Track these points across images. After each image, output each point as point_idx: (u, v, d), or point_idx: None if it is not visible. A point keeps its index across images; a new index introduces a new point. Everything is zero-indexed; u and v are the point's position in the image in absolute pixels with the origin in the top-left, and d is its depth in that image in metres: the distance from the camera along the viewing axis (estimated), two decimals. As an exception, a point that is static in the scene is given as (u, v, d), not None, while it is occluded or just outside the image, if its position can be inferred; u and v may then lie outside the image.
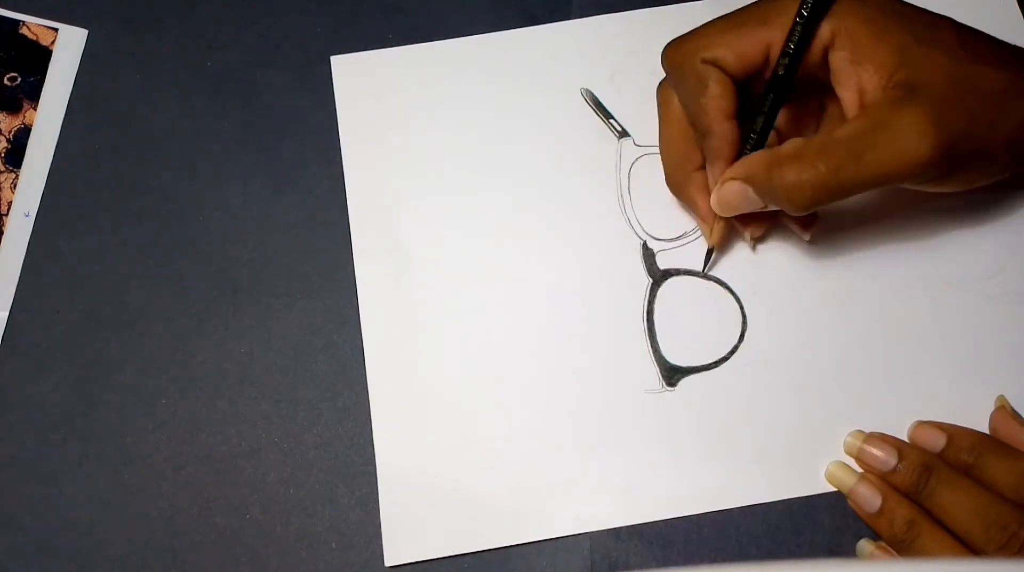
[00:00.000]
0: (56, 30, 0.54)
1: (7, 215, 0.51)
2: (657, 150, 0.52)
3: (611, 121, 0.53)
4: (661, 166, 0.51)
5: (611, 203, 0.52)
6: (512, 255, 0.51)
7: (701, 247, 0.51)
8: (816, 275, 0.50)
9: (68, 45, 0.54)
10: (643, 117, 0.53)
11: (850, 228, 0.51)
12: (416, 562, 0.46)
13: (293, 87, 0.54)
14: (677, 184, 0.49)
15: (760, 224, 0.49)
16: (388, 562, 0.46)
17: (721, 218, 0.48)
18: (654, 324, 0.50)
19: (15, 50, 0.54)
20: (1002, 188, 0.51)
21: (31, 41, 0.54)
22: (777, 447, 0.47)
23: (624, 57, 0.54)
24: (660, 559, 0.46)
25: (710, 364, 0.49)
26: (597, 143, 0.53)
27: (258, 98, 0.54)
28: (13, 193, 0.52)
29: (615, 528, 0.46)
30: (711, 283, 0.50)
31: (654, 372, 0.49)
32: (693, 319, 0.50)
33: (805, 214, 0.45)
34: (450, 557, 0.46)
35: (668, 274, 0.50)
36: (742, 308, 0.50)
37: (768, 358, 0.49)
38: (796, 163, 0.43)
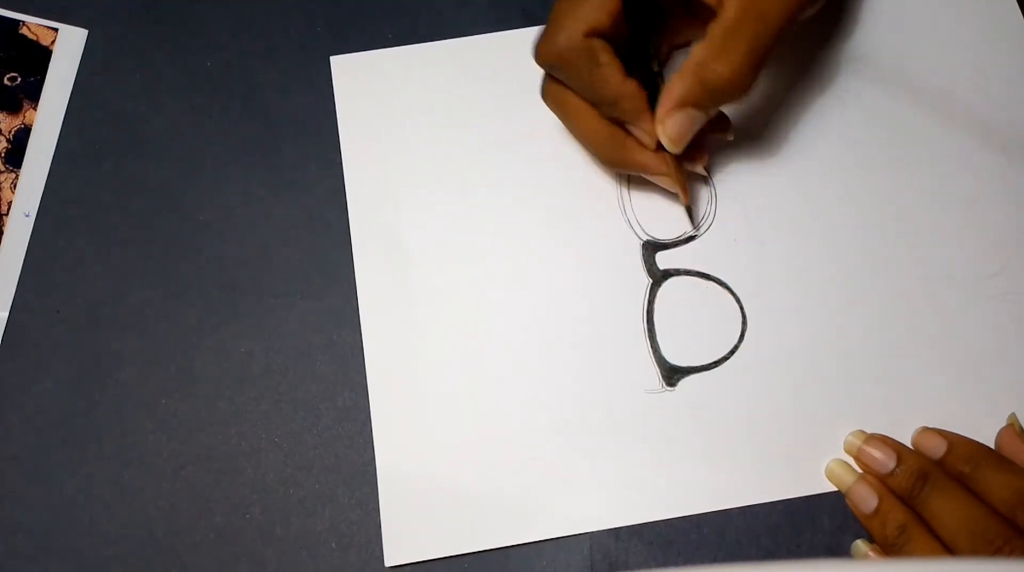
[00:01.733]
0: (56, 30, 0.54)
1: (7, 215, 0.51)
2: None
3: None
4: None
5: (611, 203, 0.52)
6: (512, 255, 0.51)
7: (701, 248, 0.51)
8: (816, 275, 0.50)
9: (68, 45, 0.54)
10: (643, 117, 0.53)
11: (850, 228, 0.51)
12: (416, 562, 0.46)
13: (293, 87, 0.54)
14: (618, 161, 0.49)
15: (701, 151, 0.49)
16: (388, 562, 0.46)
17: (680, 167, 0.48)
18: (654, 324, 0.50)
19: (15, 50, 0.54)
20: (1002, 186, 0.51)
21: (31, 41, 0.54)
22: (777, 447, 0.47)
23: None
24: (660, 559, 0.46)
25: (710, 364, 0.49)
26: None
27: (258, 98, 0.54)
28: (13, 193, 0.52)
29: (615, 528, 0.46)
30: (711, 283, 0.50)
31: (654, 372, 0.49)
32: (693, 319, 0.50)
33: (749, 88, 0.45)
34: (450, 557, 0.46)
35: (668, 274, 0.50)
36: (742, 308, 0.50)
37: (768, 358, 0.49)
38: (719, 59, 0.44)
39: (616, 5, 0.46)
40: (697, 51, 0.45)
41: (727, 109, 0.49)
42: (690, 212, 0.51)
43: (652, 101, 0.47)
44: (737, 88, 0.45)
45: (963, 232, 0.51)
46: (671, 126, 0.46)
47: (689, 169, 0.50)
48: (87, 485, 0.47)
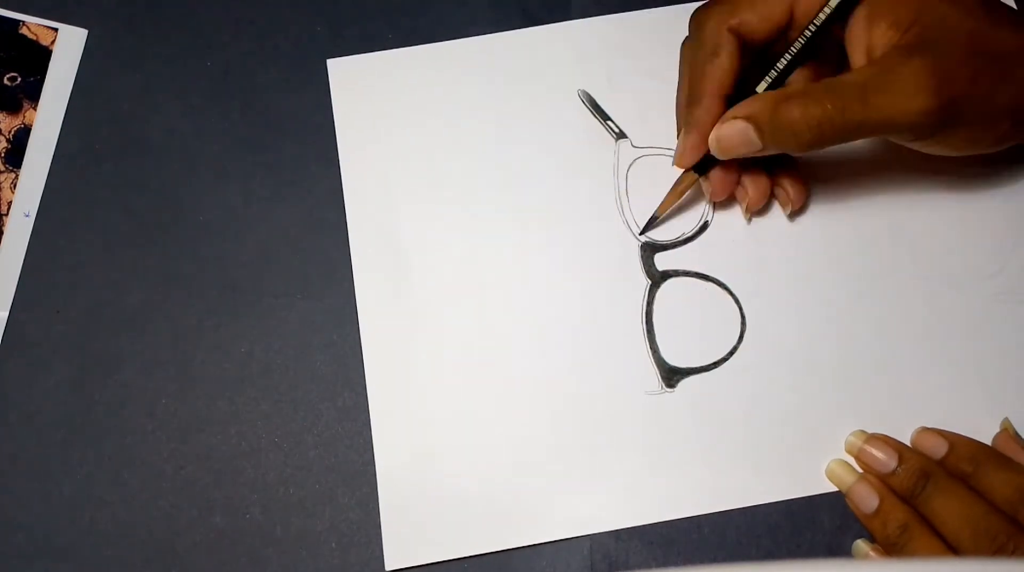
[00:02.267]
0: (56, 30, 0.54)
1: (7, 215, 0.51)
2: (655, 151, 0.52)
3: (608, 123, 0.53)
4: (658, 167, 0.51)
5: (609, 205, 0.52)
6: (510, 256, 0.51)
7: (700, 248, 0.51)
8: (815, 275, 0.50)
9: (68, 45, 0.54)
10: (641, 118, 0.53)
11: (849, 228, 0.51)
12: (416, 566, 0.46)
13: (293, 87, 0.54)
14: (688, 102, 0.49)
15: (723, 181, 0.49)
16: (388, 566, 0.46)
17: (688, 187, 0.49)
18: (653, 325, 0.50)
19: (15, 50, 0.54)
20: (1002, 185, 0.51)
21: (31, 41, 0.54)
22: (777, 447, 0.47)
23: (622, 58, 0.54)
24: (660, 559, 0.46)
25: (709, 365, 0.49)
26: (595, 144, 0.53)
27: (258, 98, 0.54)
28: (13, 193, 0.52)
29: (615, 529, 0.46)
30: (710, 284, 0.50)
31: (653, 373, 0.49)
32: (692, 320, 0.50)
33: (807, 152, 0.46)
34: (450, 560, 0.46)
35: (667, 275, 0.50)
36: (741, 309, 0.50)
37: (767, 359, 0.49)
38: (803, 100, 0.44)
39: (782, 11, 0.46)
40: (794, 84, 0.46)
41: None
42: (652, 220, 0.51)
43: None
44: (796, 140, 0.45)
45: (962, 233, 0.51)
46: (727, 128, 0.46)
47: (712, 195, 0.50)
48: (87, 485, 0.47)
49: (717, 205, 0.51)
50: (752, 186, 0.50)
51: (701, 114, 0.47)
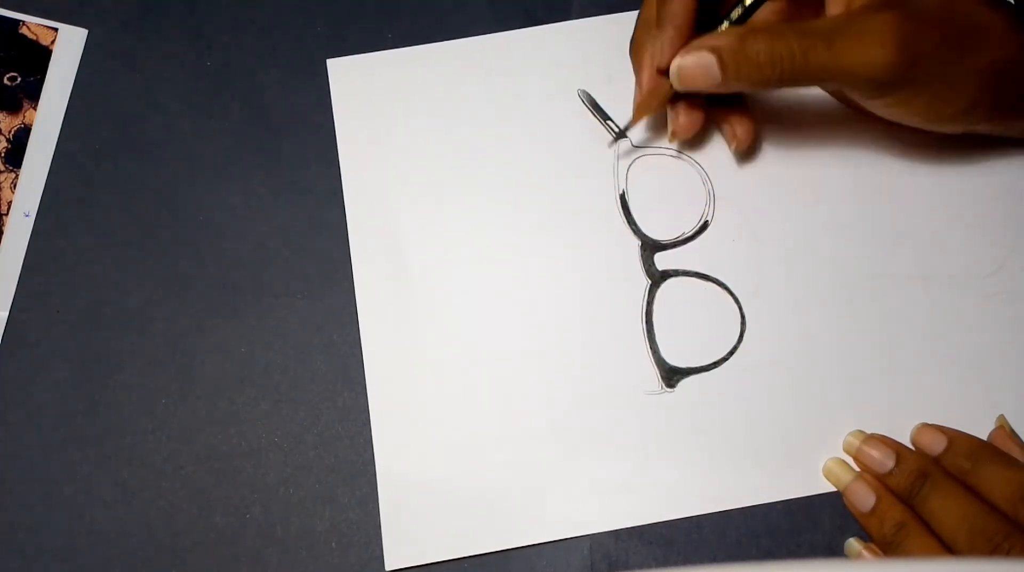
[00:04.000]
0: (56, 30, 0.54)
1: (7, 215, 0.51)
2: (655, 151, 0.52)
3: (608, 122, 0.53)
4: (659, 166, 0.51)
5: (609, 204, 0.52)
6: (510, 256, 0.51)
7: (700, 248, 0.51)
8: (814, 275, 0.50)
9: (68, 45, 0.54)
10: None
11: (848, 228, 0.51)
12: (416, 565, 0.46)
13: (293, 87, 0.54)
14: (638, 44, 0.50)
15: (690, 121, 0.49)
16: (388, 566, 0.46)
17: (657, 87, 0.49)
18: (653, 325, 0.50)
19: (15, 50, 0.54)
20: (1000, 185, 0.51)
21: (31, 41, 0.54)
22: (777, 447, 0.47)
23: (622, 58, 0.54)
24: (660, 559, 0.46)
25: (709, 365, 0.49)
26: (595, 144, 0.53)
27: (258, 98, 0.54)
28: (13, 193, 0.52)
29: (615, 529, 0.46)
30: (710, 284, 0.50)
31: (653, 373, 0.49)
32: (692, 320, 0.50)
33: (763, 90, 0.46)
34: (450, 560, 0.46)
35: (667, 275, 0.50)
36: (741, 309, 0.50)
37: (767, 359, 0.49)
38: (769, 36, 0.44)
39: None
40: (760, 19, 0.46)
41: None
42: (623, 129, 0.52)
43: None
44: (758, 75, 0.45)
45: (961, 232, 0.51)
46: (689, 60, 0.46)
47: (674, 134, 0.51)
48: (87, 485, 0.47)
49: (717, 206, 0.51)
50: (685, 114, 0.50)
51: (674, 6, 0.47)
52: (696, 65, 0.45)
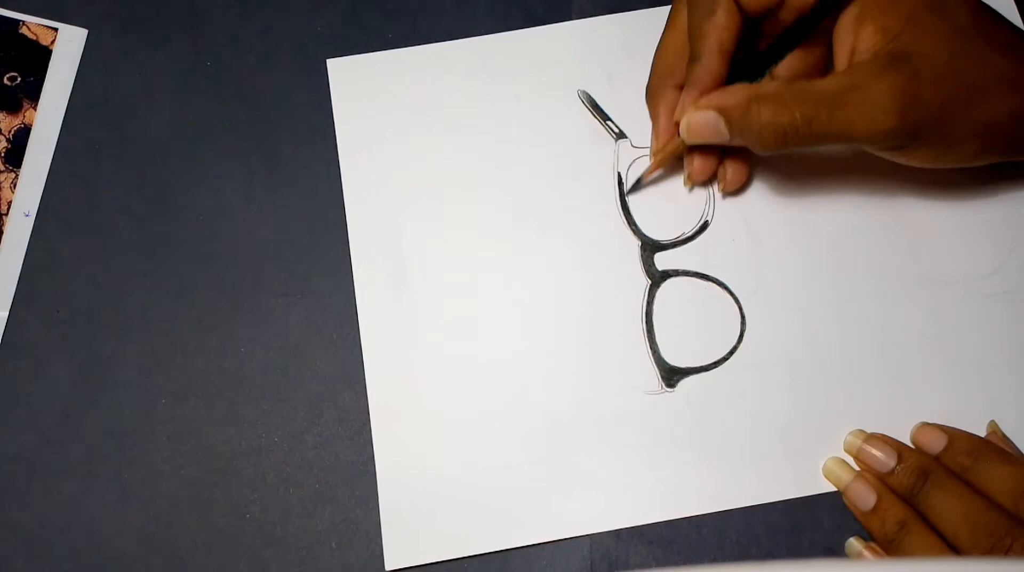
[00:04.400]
0: (56, 30, 0.54)
1: (7, 215, 0.51)
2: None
3: (608, 123, 0.53)
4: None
5: (609, 205, 0.52)
6: (510, 256, 0.51)
7: (700, 248, 0.51)
8: (814, 275, 0.50)
9: (68, 45, 0.54)
10: (640, 119, 0.53)
11: (848, 228, 0.51)
12: (416, 565, 0.46)
13: (293, 87, 0.54)
14: (653, 92, 0.50)
15: (704, 166, 0.50)
16: (388, 566, 0.46)
17: (673, 140, 0.49)
18: (653, 325, 0.50)
19: (15, 50, 0.54)
20: (1000, 185, 0.51)
21: (31, 41, 0.54)
22: (777, 447, 0.47)
23: (622, 58, 0.54)
24: (660, 559, 0.46)
25: (709, 365, 0.49)
26: (595, 145, 0.53)
27: (258, 98, 0.54)
28: (13, 193, 0.52)
29: (615, 529, 0.46)
30: (710, 283, 0.50)
31: (653, 373, 0.49)
32: (692, 320, 0.50)
33: (769, 154, 0.46)
34: (450, 560, 0.46)
35: (666, 275, 0.50)
36: (741, 309, 0.50)
37: (767, 358, 0.49)
38: (774, 104, 0.44)
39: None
40: (770, 83, 0.46)
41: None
42: (639, 181, 0.52)
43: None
44: (761, 142, 0.45)
45: (961, 232, 0.51)
46: (698, 117, 0.47)
47: (689, 177, 0.51)
48: (87, 485, 0.47)
49: (717, 206, 0.51)
50: (700, 160, 0.50)
51: (700, 71, 0.47)
52: (704, 124, 0.46)
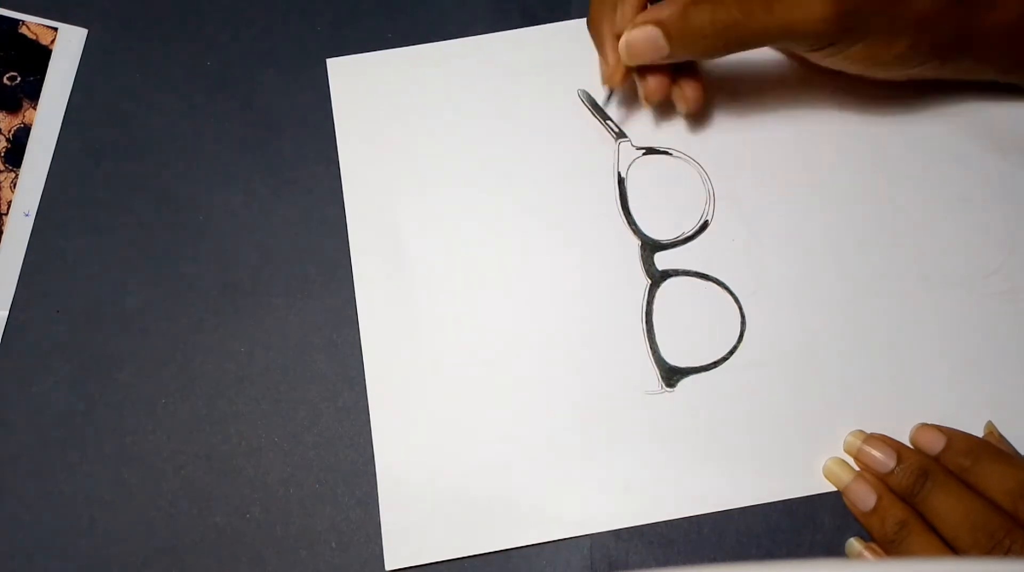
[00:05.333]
0: (56, 30, 0.54)
1: (7, 215, 0.51)
2: (655, 151, 0.52)
3: (608, 123, 0.53)
4: (658, 166, 0.51)
5: (609, 204, 0.52)
6: (510, 256, 0.51)
7: (700, 247, 0.51)
8: (815, 275, 0.50)
9: (68, 45, 0.54)
10: (640, 118, 0.53)
11: (848, 227, 0.51)
12: (416, 565, 0.46)
13: (293, 87, 0.54)
14: (596, 21, 0.50)
15: (657, 81, 0.50)
16: (388, 566, 0.46)
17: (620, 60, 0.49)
18: (653, 325, 0.50)
19: (15, 50, 0.54)
20: (1000, 185, 0.51)
21: (31, 41, 0.54)
22: (777, 447, 0.47)
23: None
24: (660, 559, 0.46)
25: (709, 365, 0.49)
26: (595, 144, 0.53)
27: (258, 98, 0.54)
28: (13, 193, 0.52)
29: (615, 529, 0.46)
30: (710, 283, 0.50)
31: (653, 373, 0.49)
32: (692, 319, 0.50)
33: (712, 58, 0.47)
34: (450, 560, 0.46)
35: (667, 275, 0.50)
36: (741, 308, 0.50)
37: (767, 358, 0.49)
38: (711, 4, 0.45)
39: None
40: None
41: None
42: (609, 96, 0.52)
43: None
44: (704, 45, 0.46)
45: (961, 231, 0.51)
46: (636, 35, 0.47)
47: (638, 82, 0.51)
48: (87, 485, 0.47)
49: (717, 206, 0.51)
50: (653, 78, 0.50)
51: (621, 14, 0.48)
52: (643, 39, 0.47)
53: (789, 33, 0.45)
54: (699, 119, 0.52)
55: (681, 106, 0.51)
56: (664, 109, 0.52)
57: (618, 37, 0.49)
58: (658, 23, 0.46)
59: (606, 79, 0.51)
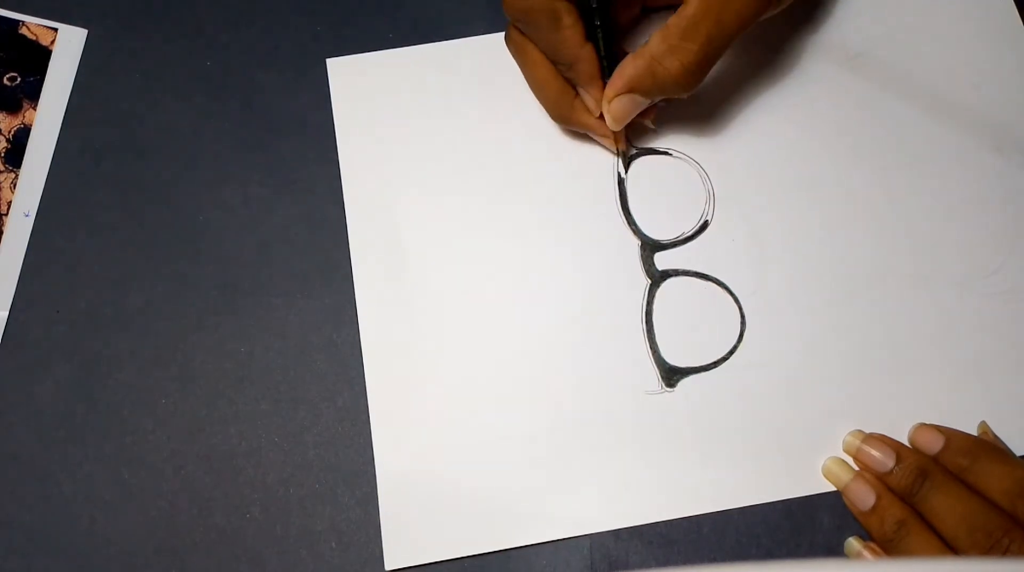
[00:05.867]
0: (56, 30, 0.54)
1: (7, 215, 0.51)
2: (655, 150, 0.52)
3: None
4: (658, 166, 0.51)
5: (609, 204, 0.52)
6: (510, 256, 0.51)
7: (700, 247, 0.51)
8: (814, 275, 0.50)
9: (68, 45, 0.54)
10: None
11: (848, 227, 0.51)
12: (416, 565, 0.46)
13: (293, 87, 0.54)
14: (563, 118, 0.51)
15: (648, 111, 0.51)
16: (388, 565, 0.46)
17: (608, 133, 0.51)
18: (653, 325, 0.50)
19: (15, 50, 0.54)
20: (1000, 185, 0.51)
21: (31, 41, 0.54)
22: (777, 447, 0.47)
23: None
24: (660, 559, 0.46)
25: (709, 365, 0.49)
26: (595, 144, 0.53)
27: (258, 98, 0.54)
28: (13, 193, 0.52)
29: (615, 528, 0.46)
30: (709, 283, 0.50)
31: (653, 373, 0.49)
32: (692, 319, 0.50)
33: (694, 89, 0.48)
34: (450, 560, 0.46)
35: (666, 274, 0.50)
36: (741, 308, 0.50)
37: (767, 358, 0.49)
38: (672, 54, 0.46)
39: None
40: (653, 41, 0.47)
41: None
42: (627, 159, 0.52)
43: (610, 64, 0.48)
44: (683, 87, 0.47)
45: (961, 231, 0.51)
46: (616, 107, 0.48)
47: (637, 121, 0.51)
48: (87, 485, 0.47)
49: (717, 206, 0.51)
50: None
51: (583, 68, 0.48)
52: (624, 107, 0.48)
53: (749, 24, 0.46)
54: (699, 119, 0.52)
55: (648, 123, 0.52)
56: (663, 111, 0.52)
57: (597, 118, 0.50)
58: (632, 89, 0.47)
59: (619, 147, 0.52)
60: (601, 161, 0.52)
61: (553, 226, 0.51)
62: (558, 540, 0.46)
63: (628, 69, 0.47)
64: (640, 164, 0.52)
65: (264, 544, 0.47)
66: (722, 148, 0.52)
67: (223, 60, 0.55)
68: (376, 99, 0.54)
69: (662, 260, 0.51)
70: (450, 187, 0.52)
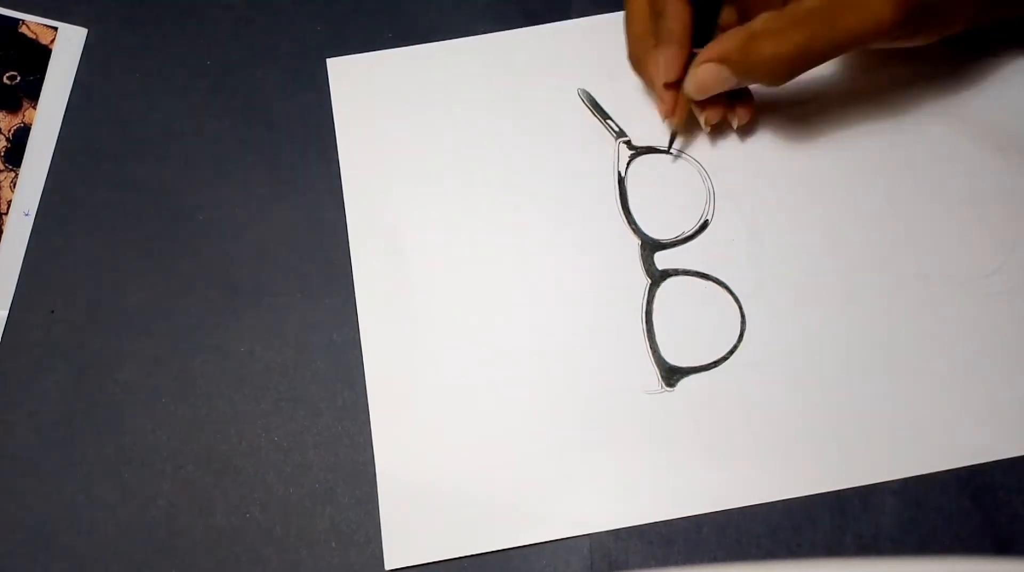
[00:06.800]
0: (56, 29, 0.54)
1: (7, 214, 0.51)
2: (655, 151, 0.52)
3: (608, 122, 0.53)
4: (658, 166, 0.51)
5: (609, 204, 0.52)
6: (510, 256, 0.51)
7: (700, 247, 0.51)
8: (815, 274, 0.50)
9: (68, 44, 0.54)
10: (640, 117, 0.53)
11: (848, 227, 0.51)
12: (416, 565, 0.46)
13: (293, 86, 0.54)
14: (637, 60, 0.51)
15: (716, 109, 0.50)
16: (388, 565, 0.46)
17: (680, 100, 0.50)
18: (653, 324, 0.50)
19: (15, 49, 0.54)
20: (1000, 185, 0.51)
21: (31, 40, 0.54)
22: (777, 447, 0.47)
23: (622, 57, 0.54)
24: (660, 559, 0.46)
25: (709, 364, 0.49)
26: (595, 143, 0.53)
27: (257, 98, 0.54)
28: (13, 192, 0.52)
29: (615, 528, 0.46)
30: (710, 283, 0.50)
31: (653, 373, 0.49)
32: (692, 319, 0.50)
33: (781, 84, 0.47)
34: (450, 560, 0.46)
35: (667, 274, 0.50)
36: (741, 308, 0.50)
37: (767, 358, 0.49)
38: (772, 37, 0.45)
39: None
40: (759, 20, 0.46)
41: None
42: (673, 137, 0.52)
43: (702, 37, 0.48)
44: (771, 75, 0.46)
45: (961, 231, 0.51)
46: (701, 73, 0.47)
47: (696, 113, 0.51)
48: (87, 485, 0.47)
49: (717, 205, 0.51)
50: (711, 106, 0.51)
51: (669, 22, 0.48)
52: (710, 77, 0.47)
53: (860, 42, 0.45)
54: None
55: (734, 122, 0.51)
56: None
57: (669, 82, 0.49)
58: (722, 60, 0.46)
59: (664, 115, 0.52)
60: (601, 161, 0.52)
61: (553, 226, 0.51)
62: (558, 540, 0.46)
63: (725, 39, 0.47)
64: (640, 163, 0.52)
65: (264, 544, 0.47)
66: (722, 148, 0.52)
67: (223, 60, 0.55)
68: (376, 99, 0.54)
69: (662, 260, 0.51)
70: (450, 187, 0.52)
